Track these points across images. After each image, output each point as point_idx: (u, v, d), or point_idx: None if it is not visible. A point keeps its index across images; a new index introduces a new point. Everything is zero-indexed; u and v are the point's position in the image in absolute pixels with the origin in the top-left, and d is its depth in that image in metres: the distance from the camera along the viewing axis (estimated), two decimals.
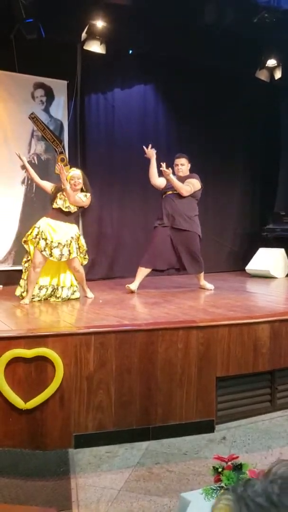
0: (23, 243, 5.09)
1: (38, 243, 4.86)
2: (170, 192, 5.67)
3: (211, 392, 3.74)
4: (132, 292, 5.47)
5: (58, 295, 5.05)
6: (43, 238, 4.88)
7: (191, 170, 5.86)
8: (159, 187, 5.79)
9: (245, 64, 6.99)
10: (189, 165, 5.84)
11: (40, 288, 5.06)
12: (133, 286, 5.53)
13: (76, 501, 2.74)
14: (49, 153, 6.71)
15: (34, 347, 3.30)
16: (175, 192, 5.64)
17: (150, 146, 5.71)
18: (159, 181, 5.77)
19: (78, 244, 5.06)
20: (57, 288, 5.10)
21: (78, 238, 5.11)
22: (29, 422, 3.32)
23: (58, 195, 5.11)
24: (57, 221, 5.02)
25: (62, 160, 6.78)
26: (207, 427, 3.68)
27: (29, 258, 4.96)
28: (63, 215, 5.06)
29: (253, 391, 4.01)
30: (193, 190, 5.65)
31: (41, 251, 4.84)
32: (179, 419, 3.63)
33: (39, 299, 5.03)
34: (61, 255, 4.91)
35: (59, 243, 4.91)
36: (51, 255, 4.87)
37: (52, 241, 4.88)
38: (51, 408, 3.35)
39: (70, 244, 4.95)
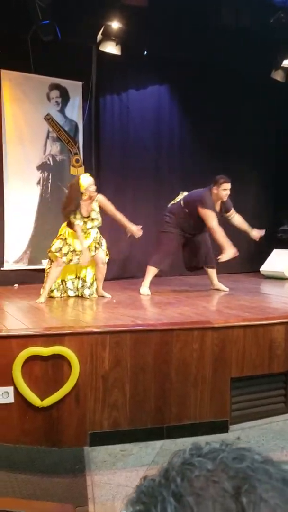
0: (48, 254, 5.18)
1: (60, 249, 4.95)
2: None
3: (226, 392, 3.75)
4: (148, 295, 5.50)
5: (81, 292, 5.27)
6: (67, 244, 4.98)
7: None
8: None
9: (260, 64, 6.98)
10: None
11: (72, 281, 5.24)
12: (147, 290, 5.52)
13: (92, 498, 2.77)
14: (64, 154, 6.75)
15: (51, 345, 3.33)
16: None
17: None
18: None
19: (99, 243, 5.17)
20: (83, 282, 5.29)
21: (100, 237, 5.21)
22: (45, 419, 3.35)
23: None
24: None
25: (77, 161, 6.82)
26: (221, 427, 3.69)
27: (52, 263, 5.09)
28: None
29: (268, 392, 4.01)
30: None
31: (61, 257, 4.93)
32: (193, 419, 3.65)
33: (75, 292, 5.24)
34: (78, 259, 5.03)
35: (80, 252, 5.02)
36: (71, 260, 4.99)
37: (75, 250, 4.99)
38: (67, 406, 3.38)
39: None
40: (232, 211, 5.66)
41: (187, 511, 0.45)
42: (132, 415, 3.53)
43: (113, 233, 7.23)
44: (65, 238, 5.02)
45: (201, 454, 0.50)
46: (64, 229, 5.14)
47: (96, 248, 5.11)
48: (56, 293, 5.13)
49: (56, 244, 5.02)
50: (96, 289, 5.31)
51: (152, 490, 0.48)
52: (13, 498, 2.58)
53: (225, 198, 5.49)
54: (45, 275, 5.13)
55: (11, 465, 3.05)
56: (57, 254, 4.95)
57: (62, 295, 5.19)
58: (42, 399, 3.31)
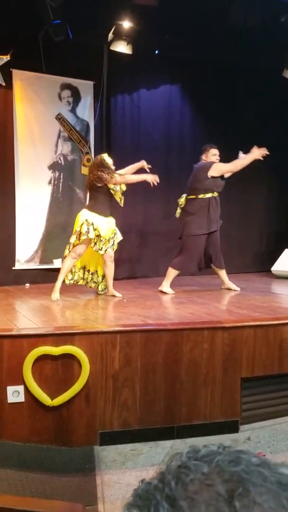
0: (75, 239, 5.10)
1: (88, 232, 4.93)
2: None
3: (236, 392, 3.73)
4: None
5: (95, 283, 5.37)
6: (94, 229, 4.96)
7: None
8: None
9: (272, 63, 6.94)
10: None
11: (81, 269, 5.32)
12: (170, 289, 5.56)
13: (101, 498, 2.78)
14: (75, 154, 6.77)
15: (61, 345, 3.34)
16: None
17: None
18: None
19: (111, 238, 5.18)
20: (94, 274, 5.36)
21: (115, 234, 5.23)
22: (55, 419, 3.37)
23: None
24: (104, 217, 5.11)
25: (88, 160, 6.84)
26: (232, 427, 3.68)
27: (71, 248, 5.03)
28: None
29: (278, 392, 3.99)
30: None
31: (89, 244, 4.97)
32: (204, 419, 3.64)
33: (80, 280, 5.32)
34: (99, 249, 5.02)
35: (104, 238, 5.02)
36: (95, 244, 5.00)
37: (100, 235, 4.98)
38: (77, 405, 3.39)
39: (111, 238, 5.09)
40: None
41: None
42: (142, 415, 3.53)
43: (125, 233, 7.25)
44: (92, 224, 4.97)
45: (198, 457, 0.50)
46: (82, 217, 5.04)
47: (109, 241, 5.06)
48: (76, 277, 5.24)
49: (84, 227, 4.93)
50: (107, 289, 5.31)
51: (147, 494, 0.48)
52: (23, 497, 2.60)
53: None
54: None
55: (21, 464, 3.07)
56: (89, 236, 4.89)
57: (72, 279, 5.22)
58: (52, 398, 3.32)
